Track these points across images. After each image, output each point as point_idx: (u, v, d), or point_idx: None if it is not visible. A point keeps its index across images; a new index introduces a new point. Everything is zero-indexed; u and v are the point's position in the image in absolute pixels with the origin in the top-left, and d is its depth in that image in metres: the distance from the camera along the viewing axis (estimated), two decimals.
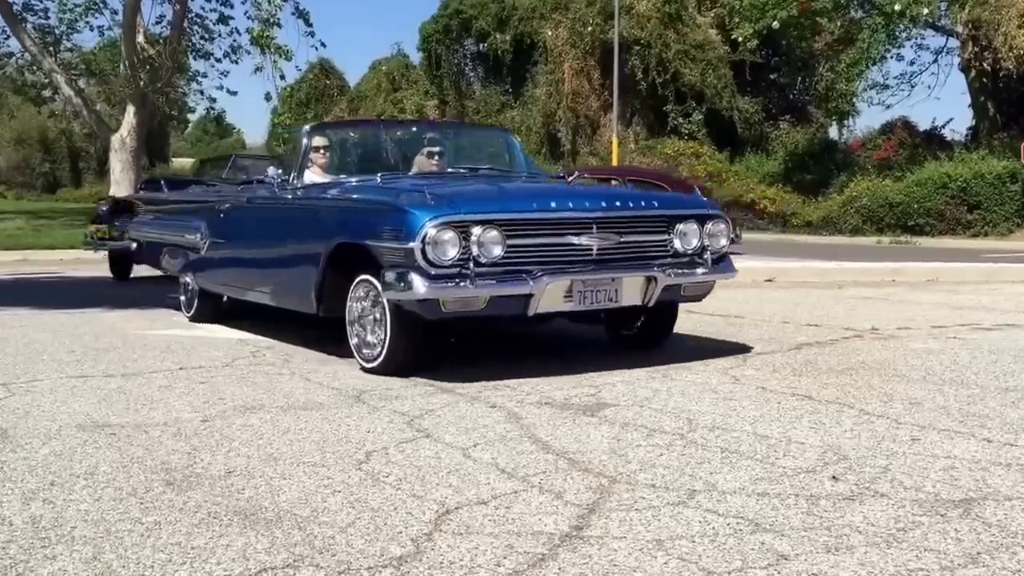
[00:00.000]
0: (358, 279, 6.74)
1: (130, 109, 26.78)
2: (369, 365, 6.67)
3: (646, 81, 39.64)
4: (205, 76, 33.13)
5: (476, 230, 6.13)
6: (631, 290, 6.64)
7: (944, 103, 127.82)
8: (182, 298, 9.77)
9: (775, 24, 29.89)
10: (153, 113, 31.25)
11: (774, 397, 5.75)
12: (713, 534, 3.40)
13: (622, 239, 6.69)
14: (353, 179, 7.84)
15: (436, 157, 8.26)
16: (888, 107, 34.39)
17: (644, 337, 7.63)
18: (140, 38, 26.57)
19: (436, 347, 6.75)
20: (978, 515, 3.58)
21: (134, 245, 11.61)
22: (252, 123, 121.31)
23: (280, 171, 7.86)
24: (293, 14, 26.36)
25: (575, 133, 42.84)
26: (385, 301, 6.42)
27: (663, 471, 4.22)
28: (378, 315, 6.60)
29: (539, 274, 6.27)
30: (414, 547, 3.29)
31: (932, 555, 3.20)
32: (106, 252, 15.15)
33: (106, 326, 9.08)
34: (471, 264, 6.11)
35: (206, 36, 30.34)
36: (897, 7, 27.38)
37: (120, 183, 27.53)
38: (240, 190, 8.99)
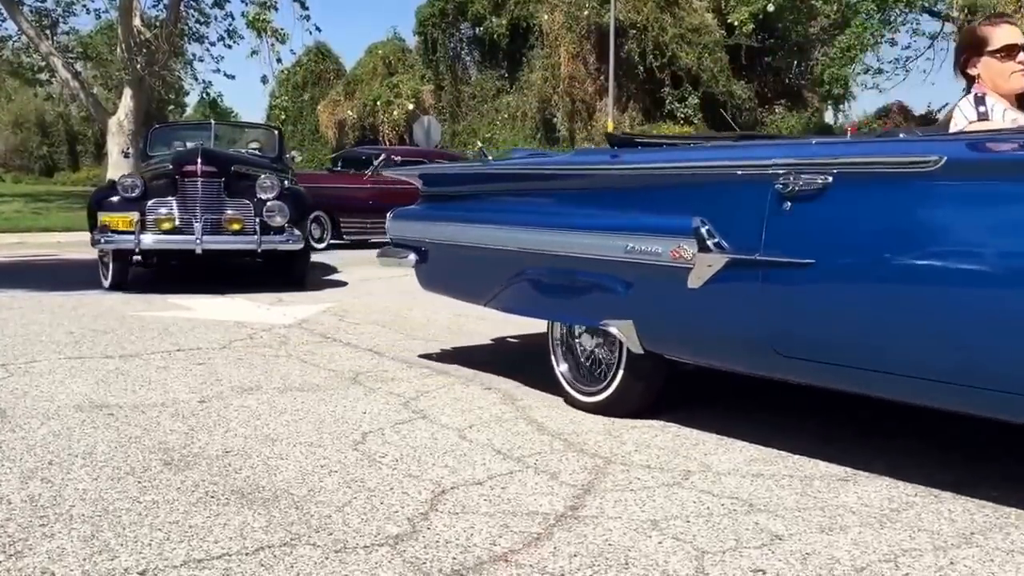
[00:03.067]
0: None
1: (127, 93, 26.72)
2: None
3: (642, 65, 39.62)
4: (201, 60, 33.08)
5: None
6: None
7: (939, 88, 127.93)
8: (561, 368, 5.25)
9: (770, 7, 29.90)
10: (150, 97, 31.18)
11: (768, 382, 5.77)
12: (708, 514, 3.42)
13: None
14: None
15: None
16: (882, 91, 34.39)
17: None
18: (137, 21, 26.50)
19: None
20: (972, 496, 3.61)
21: (412, 256, 6.21)
22: (249, 106, 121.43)
23: None
24: None
25: (571, 118, 42.82)
26: None
27: (658, 452, 4.24)
28: None
29: None
30: (410, 526, 3.31)
31: (926, 535, 3.22)
32: (114, 250, 10.54)
33: (104, 308, 9.08)
34: None
35: (202, 20, 30.30)
36: None
37: (118, 167, 27.47)
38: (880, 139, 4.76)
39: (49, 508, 3.48)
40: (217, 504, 3.53)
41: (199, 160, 10.65)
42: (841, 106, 41.06)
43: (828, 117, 41.54)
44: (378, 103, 48.45)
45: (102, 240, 10.46)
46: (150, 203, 10.49)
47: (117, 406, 5.12)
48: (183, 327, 7.93)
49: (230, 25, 29.21)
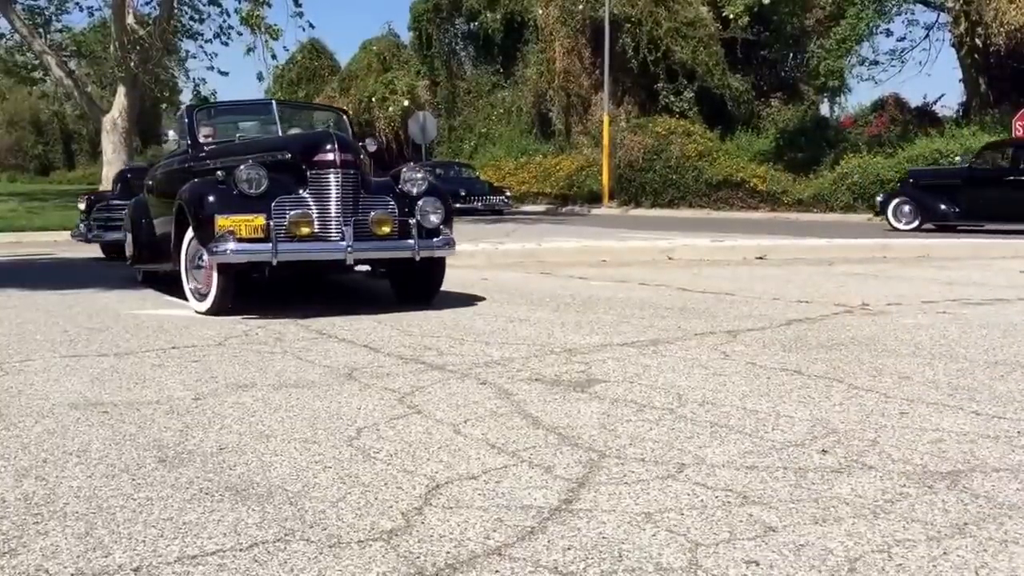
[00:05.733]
0: None
1: (121, 90, 26.75)
2: None
3: (637, 59, 39.66)
4: (195, 57, 33.18)
5: None
6: None
7: (935, 79, 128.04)
8: None
9: (765, 0, 29.90)
10: (144, 94, 31.19)
11: (763, 372, 5.77)
12: (702, 506, 3.42)
13: None
14: None
15: None
16: (878, 83, 34.53)
17: None
18: (130, 19, 26.51)
19: None
20: (965, 487, 3.60)
21: None
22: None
23: None
24: None
25: (566, 112, 42.89)
26: None
27: (652, 445, 4.24)
28: None
29: None
30: (404, 521, 3.30)
31: (919, 526, 3.22)
32: (220, 263, 8.20)
33: (99, 306, 9.07)
34: None
35: (195, 17, 30.34)
36: None
37: (112, 164, 27.51)
38: None
39: (43, 506, 3.48)
40: (211, 500, 3.53)
41: (336, 147, 8.40)
42: (837, 98, 41.10)
43: (824, 110, 41.56)
44: (373, 99, 48.48)
45: (228, 251, 8.06)
46: (275, 202, 8.20)
47: (112, 404, 5.12)
48: (178, 324, 7.92)
49: (224, 22, 29.28)
